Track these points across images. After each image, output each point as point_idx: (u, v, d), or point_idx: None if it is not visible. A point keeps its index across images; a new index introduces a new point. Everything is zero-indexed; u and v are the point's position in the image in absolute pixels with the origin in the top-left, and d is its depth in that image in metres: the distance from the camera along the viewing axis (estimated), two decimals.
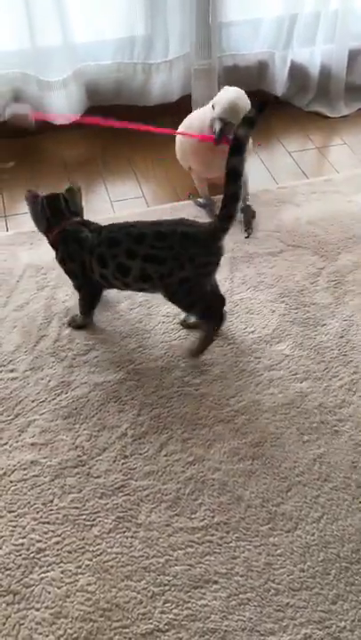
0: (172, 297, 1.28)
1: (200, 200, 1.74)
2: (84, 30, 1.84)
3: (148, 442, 1.21)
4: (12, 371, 1.33)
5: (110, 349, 1.37)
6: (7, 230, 1.69)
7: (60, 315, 1.43)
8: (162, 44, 1.88)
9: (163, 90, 1.95)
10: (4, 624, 0.99)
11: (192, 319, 1.39)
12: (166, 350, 1.36)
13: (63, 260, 1.33)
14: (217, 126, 1.51)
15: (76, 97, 1.89)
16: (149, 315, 1.43)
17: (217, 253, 1.25)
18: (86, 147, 1.97)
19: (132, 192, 1.81)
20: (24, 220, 1.72)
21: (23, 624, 0.99)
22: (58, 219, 1.32)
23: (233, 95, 1.52)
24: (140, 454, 1.19)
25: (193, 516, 1.10)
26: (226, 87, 1.58)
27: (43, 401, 1.28)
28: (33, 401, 1.27)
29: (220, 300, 1.33)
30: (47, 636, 0.98)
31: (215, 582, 1.03)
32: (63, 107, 1.87)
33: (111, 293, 1.44)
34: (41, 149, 1.96)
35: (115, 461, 1.18)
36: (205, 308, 1.30)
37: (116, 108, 1.97)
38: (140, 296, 1.47)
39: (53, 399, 1.28)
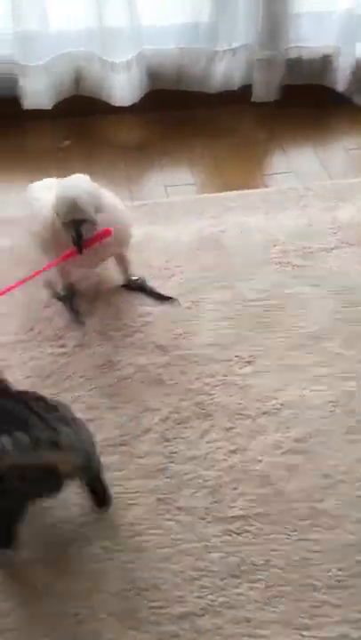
0: None
1: (59, 290, 1.42)
2: (150, 13, 1.84)
3: (191, 427, 1.21)
4: (61, 346, 1.34)
5: (156, 333, 1.37)
6: None
7: (108, 294, 1.44)
8: (227, 31, 1.86)
9: (224, 77, 1.93)
10: (46, 594, 1.00)
11: None
12: (214, 338, 1.36)
13: None
14: (72, 232, 1.17)
15: (137, 80, 1.88)
16: (198, 302, 1.43)
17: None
18: (144, 131, 1.96)
19: (186, 178, 1.81)
20: None
21: (63, 596, 1.00)
22: None
23: (65, 190, 1.19)
24: (183, 439, 1.19)
25: (233, 505, 1.10)
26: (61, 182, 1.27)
27: (90, 378, 1.29)
28: (80, 377, 1.29)
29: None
30: (85, 609, 0.98)
31: (252, 573, 1.03)
32: (124, 89, 1.87)
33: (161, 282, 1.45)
34: (98, 130, 1.96)
35: (157, 443, 1.18)
36: None
37: (176, 94, 1.97)
38: (188, 283, 1.47)
39: (100, 377, 1.29)
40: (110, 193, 1.34)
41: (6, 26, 1.77)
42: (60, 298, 1.42)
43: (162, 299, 1.42)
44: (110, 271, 1.47)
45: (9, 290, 1.19)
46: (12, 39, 1.78)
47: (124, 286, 1.45)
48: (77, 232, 1.16)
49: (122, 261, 1.43)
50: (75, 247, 1.18)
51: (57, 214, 1.20)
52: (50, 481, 0.95)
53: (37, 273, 1.22)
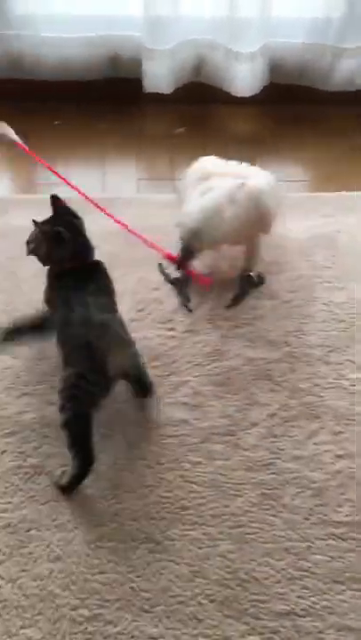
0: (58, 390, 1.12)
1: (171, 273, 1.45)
2: (281, 5, 1.81)
3: (298, 427, 1.20)
4: (170, 329, 1.35)
5: (266, 327, 1.36)
6: (174, 193, 1.71)
7: (220, 285, 1.44)
8: (358, 28, 1.82)
9: (348, 76, 1.89)
10: (145, 569, 1.02)
11: None
12: (324, 340, 1.34)
13: None
14: (181, 250, 1.28)
15: (259, 71, 1.86)
16: (310, 301, 1.41)
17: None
18: (258, 123, 1.95)
19: (299, 174, 1.79)
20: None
21: (163, 574, 1.01)
22: None
23: (188, 217, 1.29)
24: (290, 437, 1.18)
25: (338, 510, 1.09)
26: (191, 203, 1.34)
27: (197, 364, 1.29)
28: (188, 362, 1.29)
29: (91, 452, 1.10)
30: (185, 590, 1.00)
31: (356, 581, 1.01)
32: (246, 79, 1.86)
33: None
34: (213, 119, 1.96)
35: (264, 438, 1.18)
36: (75, 436, 1.09)
37: (296, 89, 1.94)
38: (299, 281, 1.45)
39: (207, 365, 1.29)
40: (265, 177, 1.37)
41: (138, 9, 1.79)
42: (172, 282, 1.43)
43: (235, 302, 1.41)
44: (230, 261, 1.47)
45: (137, 235, 1.39)
46: (142, 22, 1.79)
47: (242, 275, 1.45)
48: (184, 257, 1.29)
49: (250, 249, 1.42)
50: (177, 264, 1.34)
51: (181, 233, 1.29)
52: (103, 383, 1.10)
53: (160, 250, 1.38)
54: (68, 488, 1.10)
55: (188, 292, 1.42)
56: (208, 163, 1.38)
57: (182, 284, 1.43)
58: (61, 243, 1.19)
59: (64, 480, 1.10)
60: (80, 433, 1.08)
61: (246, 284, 1.43)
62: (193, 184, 1.36)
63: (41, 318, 1.23)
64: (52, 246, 1.21)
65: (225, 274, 1.45)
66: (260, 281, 1.44)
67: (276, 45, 1.88)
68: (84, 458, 1.08)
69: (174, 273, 1.43)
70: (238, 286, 1.43)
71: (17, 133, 1.84)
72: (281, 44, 1.89)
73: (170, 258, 1.36)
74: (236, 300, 1.41)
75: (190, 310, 1.39)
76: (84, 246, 1.24)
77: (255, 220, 1.33)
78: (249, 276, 1.44)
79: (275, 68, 1.91)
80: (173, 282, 1.43)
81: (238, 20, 1.80)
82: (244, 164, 1.38)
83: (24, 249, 1.49)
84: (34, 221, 1.22)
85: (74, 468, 1.08)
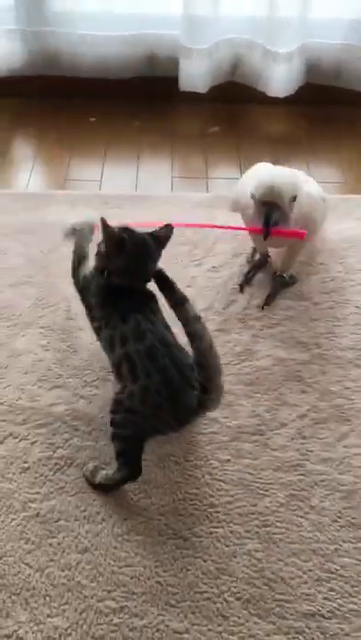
0: (111, 412, 1.09)
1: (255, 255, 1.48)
2: (320, 6, 1.81)
3: (328, 429, 1.19)
4: None
5: (297, 328, 1.36)
6: (207, 191, 1.72)
7: (252, 284, 1.44)
8: None
9: None
10: (172, 565, 1.02)
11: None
12: (356, 343, 1.33)
13: None
14: (263, 215, 1.20)
15: (296, 72, 1.86)
16: (342, 303, 1.40)
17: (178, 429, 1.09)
18: (293, 124, 1.94)
19: (334, 176, 1.77)
20: (224, 184, 1.75)
21: (190, 570, 1.02)
22: None
23: (268, 174, 1.24)
24: (319, 439, 1.18)
25: None
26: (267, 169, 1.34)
27: (227, 363, 1.29)
28: None
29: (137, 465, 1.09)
30: (211, 587, 1.00)
31: None
32: (282, 79, 1.85)
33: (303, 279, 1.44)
34: (247, 119, 1.96)
35: (293, 439, 1.17)
36: (124, 451, 1.08)
37: (331, 90, 1.93)
38: (331, 283, 1.45)
39: (238, 364, 1.29)
40: (315, 185, 1.36)
41: (176, 8, 1.79)
42: (250, 261, 1.48)
43: (268, 302, 1.41)
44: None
45: (188, 225, 1.42)
46: (181, 21, 1.80)
47: (274, 274, 1.44)
48: (267, 215, 1.19)
49: (290, 253, 1.41)
50: (263, 230, 1.20)
51: (254, 195, 1.22)
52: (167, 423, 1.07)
53: (212, 226, 1.42)
54: (105, 488, 1.10)
55: (253, 276, 1.45)
56: (263, 167, 1.38)
57: (255, 267, 1.46)
58: (122, 250, 1.08)
59: (99, 478, 1.10)
60: (130, 449, 1.08)
61: (279, 284, 1.43)
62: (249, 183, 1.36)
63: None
64: (111, 251, 1.09)
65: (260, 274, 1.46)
66: (292, 281, 1.44)
67: (315, 46, 1.88)
68: (130, 470, 1.08)
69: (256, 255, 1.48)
70: (271, 286, 1.43)
71: (53, 130, 1.88)
72: (319, 44, 1.88)
73: (256, 230, 1.26)
74: (269, 300, 1.41)
75: (242, 292, 1.42)
76: (144, 267, 1.11)
77: (303, 227, 1.31)
78: (282, 276, 1.43)
79: (311, 68, 1.91)
80: (251, 262, 1.47)
81: (277, 19, 1.79)
82: (299, 172, 1.38)
83: (56, 243, 1.51)
84: (102, 220, 1.07)
85: (118, 474, 1.08)
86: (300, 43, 1.83)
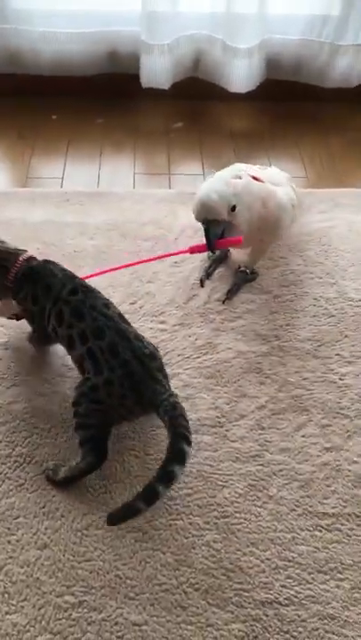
0: (75, 404, 1.11)
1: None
2: (279, 1, 1.82)
3: (287, 419, 1.21)
4: (162, 322, 1.36)
5: (257, 321, 1.37)
6: (170, 188, 1.73)
7: (214, 278, 1.45)
8: (355, 26, 1.82)
9: (344, 74, 1.90)
10: (131, 558, 1.03)
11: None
12: (314, 334, 1.35)
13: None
14: (205, 232, 1.23)
15: (256, 67, 1.87)
16: (300, 295, 1.42)
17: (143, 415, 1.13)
18: (255, 120, 1.96)
19: (295, 171, 1.79)
20: (187, 181, 1.76)
21: (149, 563, 1.02)
22: None
23: (199, 191, 1.23)
24: (278, 429, 1.19)
25: (324, 502, 1.09)
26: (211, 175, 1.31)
27: (188, 357, 1.30)
28: (179, 355, 1.30)
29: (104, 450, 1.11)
30: (170, 579, 1.01)
31: (340, 571, 1.02)
32: (243, 75, 1.86)
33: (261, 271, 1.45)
34: (210, 115, 1.96)
35: (251, 430, 1.19)
36: (89, 439, 1.10)
37: (292, 85, 1.95)
38: (291, 275, 1.46)
39: (198, 357, 1.30)
40: (287, 189, 1.37)
41: (136, 4, 1.79)
42: (210, 257, 1.47)
43: (229, 296, 1.41)
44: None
45: (130, 265, 1.32)
46: (140, 16, 1.80)
47: (237, 270, 1.45)
48: (207, 232, 1.21)
49: (257, 250, 1.42)
50: (206, 245, 1.23)
51: (193, 212, 1.23)
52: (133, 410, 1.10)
53: (163, 256, 1.34)
54: (69, 481, 1.10)
55: (213, 270, 1.45)
56: (242, 166, 1.37)
57: (216, 261, 1.46)
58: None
59: (63, 473, 1.10)
60: (96, 436, 1.10)
61: (240, 279, 1.44)
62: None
63: None
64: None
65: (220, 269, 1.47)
66: (253, 277, 1.45)
67: (274, 42, 1.89)
68: (96, 456, 1.09)
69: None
70: (232, 281, 1.44)
71: (15, 128, 1.86)
72: (279, 40, 1.89)
73: (197, 249, 1.27)
74: (230, 295, 1.42)
75: (202, 285, 1.42)
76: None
77: (267, 229, 1.34)
78: (244, 271, 1.44)
79: (271, 64, 1.92)
80: (211, 257, 1.46)
81: (236, 15, 1.80)
82: (273, 169, 1.40)
83: (16, 240, 1.51)
84: None
85: (83, 462, 1.09)
86: (259, 38, 1.84)
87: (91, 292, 1.16)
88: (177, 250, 1.34)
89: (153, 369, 1.08)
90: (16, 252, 1.21)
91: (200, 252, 1.27)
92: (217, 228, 1.21)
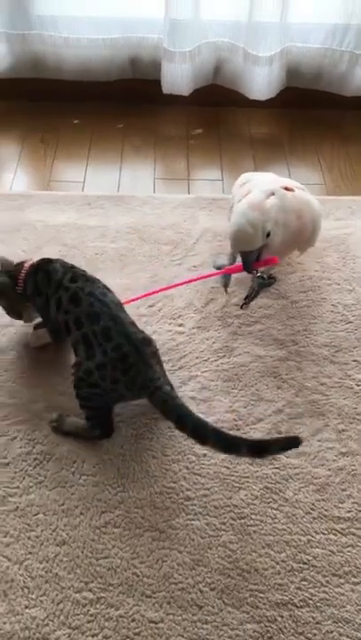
0: (75, 387, 1.16)
1: (217, 260, 1.49)
2: (301, 10, 1.84)
3: (303, 424, 1.22)
4: (180, 325, 1.38)
5: (275, 326, 1.38)
6: (189, 193, 1.75)
7: (232, 282, 1.46)
8: None
9: None
10: (149, 556, 1.04)
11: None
12: (331, 340, 1.36)
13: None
14: (239, 258, 1.28)
15: (276, 75, 1.89)
16: (318, 301, 1.43)
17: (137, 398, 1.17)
18: (274, 127, 1.97)
19: (314, 178, 1.80)
20: (206, 186, 1.78)
21: (166, 562, 1.04)
22: None
23: (234, 223, 1.23)
24: (295, 433, 1.20)
25: (340, 506, 1.10)
26: (237, 204, 1.28)
27: (205, 360, 1.32)
28: (196, 358, 1.32)
29: (109, 425, 1.19)
30: (187, 578, 1.02)
31: (354, 575, 1.03)
32: (263, 83, 1.88)
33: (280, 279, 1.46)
34: (229, 121, 1.99)
35: (268, 434, 1.20)
36: (94, 416, 1.17)
37: (312, 93, 1.96)
38: (309, 282, 1.48)
39: (215, 360, 1.32)
40: (302, 200, 1.35)
41: (159, 12, 1.82)
42: (219, 267, 1.46)
43: (248, 301, 1.42)
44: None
45: (175, 286, 1.35)
46: (162, 24, 1.83)
47: (254, 275, 1.44)
48: (245, 260, 1.25)
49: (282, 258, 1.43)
50: (245, 270, 1.27)
51: (229, 242, 1.27)
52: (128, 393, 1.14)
53: (203, 277, 1.36)
54: (77, 437, 1.18)
55: (229, 279, 1.44)
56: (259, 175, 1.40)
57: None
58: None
59: (70, 426, 1.18)
60: (99, 415, 1.17)
61: (258, 285, 1.45)
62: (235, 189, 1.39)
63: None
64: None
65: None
66: (270, 282, 1.47)
67: (296, 50, 1.91)
68: (103, 430, 1.18)
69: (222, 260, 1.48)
70: (250, 287, 1.45)
71: (37, 132, 1.89)
72: (300, 48, 1.91)
73: (233, 270, 1.33)
74: (248, 301, 1.43)
75: (227, 292, 1.43)
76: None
77: (302, 239, 1.37)
78: (261, 277, 1.46)
79: (292, 71, 1.94)
80: (220, 267, 1.45)
81: (257, 23, 1.82)
82: (287, 179, 1.41)
83: (39, 242, 1.54)
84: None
85: (92, 432, 1.17)
86: (280, 46, 1.86)
87: (91, 280, 1.20)
88: (211, 272, 1.37)
89: (146, 354, 1.12)
90: (21, 262, 1.28)
91: (233, 272, 1.33)
92: (253, 255, 1.24)
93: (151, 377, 1.10)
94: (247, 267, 1.26)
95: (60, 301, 1.18)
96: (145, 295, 1.33)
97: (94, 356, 1.11)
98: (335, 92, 1.96)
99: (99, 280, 1.21)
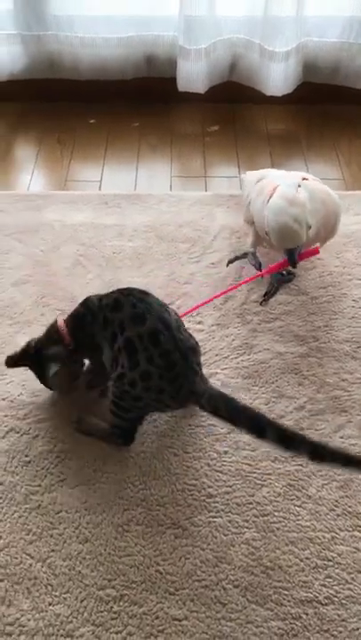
0: (115, 399, 1.11)
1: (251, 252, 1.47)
2: (316, 4, 1.83)
3: (325, 420, 1.21)
4: (199, 322, 1.37)
5: (295, 322, 1.37)
6: (206, 190, 1.74)
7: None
8: None
9: None
10: (171, 554, 1.04)
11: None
12: (353, 335, 1.34)
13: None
14: (287, 257, 1.26)
15: (293, 70, 1.88)
16: (339, 297, 1.42)
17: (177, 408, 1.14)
18: (291, 123, 1.96)
19: (332, 173, 1.79)
20: (223, 183, 1.77)
21: (188, 559, 1.03)
22: None
23: (277, 220, 1.23)
24: (316, 430, 1.19)
25: None
26: (272, 200, 1.26)
27: (225, 357, 1.31)
28: (216, 355, 1.31)
29: (133, 437, 1.16)
30: (210, 575, 1.02)
31: None
32: (279, 78, 1.87)
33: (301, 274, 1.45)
34: (246, 118, 1.98)
35: None
36: (122, 425, 1.14)
37: (329, 88, 1.95)
38: (329, 277, 1.46)
39: (235, 358, 1.31)
40: (322, 188, 1.34)
41: (174, 9, 1.82)
42: (240, 256, 1.47)
43: (267, 298, 1.42)
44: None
45: (217, 297, 1.34)
46: (177, 21, 1.82)
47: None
48: (292, 256, 1.24)
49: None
50: (291, 265, 1.27)
51: (270, 238, 1.26)
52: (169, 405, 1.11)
53: (255, 277, 1.36)
54: (89, 436, 1.17)
55: (258, 258, 1.44)
56: (270, 184, 1.36)
57: (254, 254, 1.45)
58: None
59: (93, 428, 1.17)
60: (129, 426, 1.15)
61: (276, 281, 1.44)
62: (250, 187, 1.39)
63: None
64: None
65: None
66: (289, 278, 1.46)
67: (312, 44, 1.90)
68: (125, 441, 1.16)
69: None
70: (269, 283, 1.44)
71: (54, 132, 1.90)
72: (317, 43, 1.90)
73: (275, 268, 1.32)
74: (267, 297, 1.42)
75: (262, 274, 1.39)
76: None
77: (328, 226, 1.36)
78: (280, 273, 1.45)
79: (308, 66, 1.93)
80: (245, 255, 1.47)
81: (273, 18, 1.81)
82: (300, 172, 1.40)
83: (56, 242, 1.55)
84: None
85: (114, 439, 1.15)
86: (296, 41, 1.84)
87: (127, 288, 1.15)
88: (255, 274, 1.37)
89: (194, 363, 1.07)
90: (52, 324, 1.19)
91: (278, 269, 1.33)
92: (299, 249, 1.25)
93: (198, 383, 1.06)
94: (293, 262, 1.25)
95: (106, 323, 1.10)
96: (201, 304, 1.31)
97: (138, 364, 1.05)
98: (352, 87, 1.94)
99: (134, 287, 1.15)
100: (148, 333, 1.04)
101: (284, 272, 1.45)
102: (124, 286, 1.16)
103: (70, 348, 1.16)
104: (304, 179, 1.32)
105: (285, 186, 1.28)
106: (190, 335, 1.12)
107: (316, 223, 1.27)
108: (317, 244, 1.33)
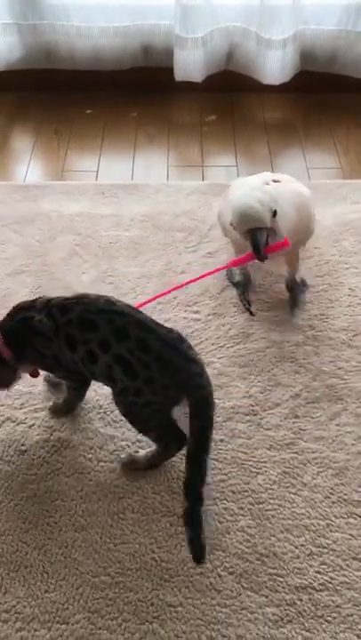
0: (128, 415, 1.09)
1: (235, 275, 1.43)
2: None
3: (321, 408, 1.21)
4: (196, 312, 1.37)
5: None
6: (203, 180, 1.74)
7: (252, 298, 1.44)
8: None
9: None
10: (166, 541, 1.04)
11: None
12: (349, 324, 1.34)
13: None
14: (250, 241, 1.16)
15: (290, 59, 1.87)
16: (336, 286, 1.42)
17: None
18: (288, 111, 1.95)
19: (330, 162, 1.78)
20: (220, 173, 1.76)
21: (183, 546, 1.03)
22: None
23: (239, 201, 1.16)
24: (312, 417, 1.19)
25: (359, 490, 1.09)
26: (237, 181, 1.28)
27: (222, 346, 1.31)
28: (213, 344, 1.31)
29: (179, 433, 1.09)
30: (205, 563, 1.02)
31: None
32: (276, 67, 1.86)
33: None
34: (243, 107, 1.97)
35: (286, 418, 1.19)
36: (163, 434, 1.10)
37: (326, 76, 1.94)
38: (325, 266, 1.46)
39: (232, 346, 1.31)
40: (295, 185, 1.30)
41: None
42: (235, 283, 1.42)
43: (293, 307, 1.38)
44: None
45: (192, 281, 1.24)
46: (174, 10, 1.81)
47: (287, 287, 1.40)
48: (255, 241, 1.14)
49: (291, 259, 1.36)
50: (255, 254, 1.16)
51: (234, 225, 1.18)
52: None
53: (218, 270, 1.25)
54: (153, 465, 1.12)
55: (248, 296, 1.39)
56: (234, 187, 1.32)
57: (245, 288, 1.40)
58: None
59: (144, 460, 1.12)
60: (166, 429, 1.09)
61: (297, 290, 1.39)
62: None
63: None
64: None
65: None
66: (306, 287, 1.41)
67: (309, 32, 1.88)
68: (176, 443, 1.09)
69: (237, 276, 1.42)
70: (290, 297, 1.38)
71: (50, 122, 1.89)
72: (314, 30, 1.89)
73: (240, 261, 1.23)
74: (295, 312, 1.36)
75: (253, 313, 1.36)
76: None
77: (301, 228, 1.29)
78: (295, 282, 1.39)
79: (306, 55, 1.91)
80: (236, 284, 1.41)
81: (270, 6, 1.80)
82: (280, 175, 1.33)
83: (53, 232, 1.54)
84: None
85: (166, 452, 1.11)
86: (293, 29, 1.83)
87: (85, 297, 1.06)
88: (220, 266, 1.29)
89: (185, 350, 1.03)
90: None
91: (243, 263, 1.24)
92: (263, 234, 1.15)
93: (194, 372, 1.02)
94: (257, 249, 1.14)
95: (71, 339, 1.04)
96: (155, 297, 1.24)
97: (137, 374, 1.01)
98: (350, 75, 1.92)
99: (89, 293, 1.08)
100: (137, 345, 1.01)
101: (298, 280, 1.39)
102: (77, 294, 1.08)
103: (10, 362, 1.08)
104: (275, 181, 1.26)
105: (252, 181, 1.25)
106: (171, 328, 1.07)
107: (284, 219, 1.19)
108: (285, 238, 1.20)
